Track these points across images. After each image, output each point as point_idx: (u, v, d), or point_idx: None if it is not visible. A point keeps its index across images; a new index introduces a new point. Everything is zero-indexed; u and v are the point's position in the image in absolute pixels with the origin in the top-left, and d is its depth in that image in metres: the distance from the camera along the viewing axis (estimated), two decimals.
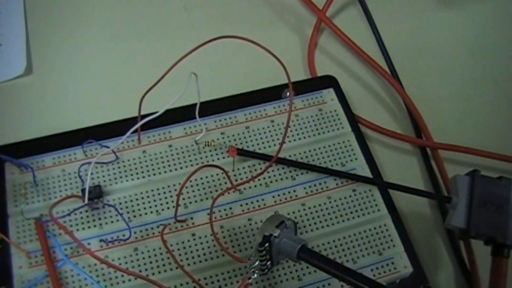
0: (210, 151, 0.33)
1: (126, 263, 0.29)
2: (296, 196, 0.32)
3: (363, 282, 0.27)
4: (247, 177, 0.32)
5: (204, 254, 0.30)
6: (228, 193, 0.31)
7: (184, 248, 0.30)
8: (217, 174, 0.32)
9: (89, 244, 0.30)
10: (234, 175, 0.32)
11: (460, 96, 0.40)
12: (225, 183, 0.32)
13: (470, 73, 0.42)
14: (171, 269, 0.29)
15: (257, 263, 0.28)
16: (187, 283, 0.29)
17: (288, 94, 0.35)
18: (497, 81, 0.41)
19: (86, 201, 0.30)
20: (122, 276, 0.29)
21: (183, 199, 0.31)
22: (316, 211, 0.31)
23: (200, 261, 0.30)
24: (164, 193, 0.31)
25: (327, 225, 0.31)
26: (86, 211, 0.30)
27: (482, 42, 0.43)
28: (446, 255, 0.34)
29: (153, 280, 0.28)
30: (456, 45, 0.43)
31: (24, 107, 0.36)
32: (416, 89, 0.39)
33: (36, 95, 0.37)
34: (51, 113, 0.36)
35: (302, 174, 0.32)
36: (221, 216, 0.31)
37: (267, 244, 0.28)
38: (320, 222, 0.31)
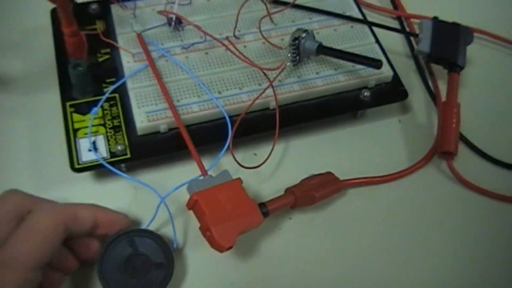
0: None
1: (200, 63, 0.43)
2: (312, 27, 0.46)
3: (363, 58, 0.41)
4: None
5: (252, 58, 0.44)
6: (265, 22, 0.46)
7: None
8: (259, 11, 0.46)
9: (174, 50, 0.44)
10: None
11: None
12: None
13: None
14: (234, 64, 0.43)
15: (289, 54, 0.42)
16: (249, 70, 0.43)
17: None
18: None
19: (173, 23, 0.44)
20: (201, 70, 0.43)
21: (238, 26, 0.45)
22: (327, 39, 0.46)
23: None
24: (226, 23, 0.45)
25: (334, 46, 0.45)
26: (171, 31, 0.45)
27: None
28: (415, 81, 0.49)
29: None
30: None
31: None
32: None
33: None
34: None
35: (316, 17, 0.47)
36: (260, 38, 0.45)
37: (296, 41, 0.42)
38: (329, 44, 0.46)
